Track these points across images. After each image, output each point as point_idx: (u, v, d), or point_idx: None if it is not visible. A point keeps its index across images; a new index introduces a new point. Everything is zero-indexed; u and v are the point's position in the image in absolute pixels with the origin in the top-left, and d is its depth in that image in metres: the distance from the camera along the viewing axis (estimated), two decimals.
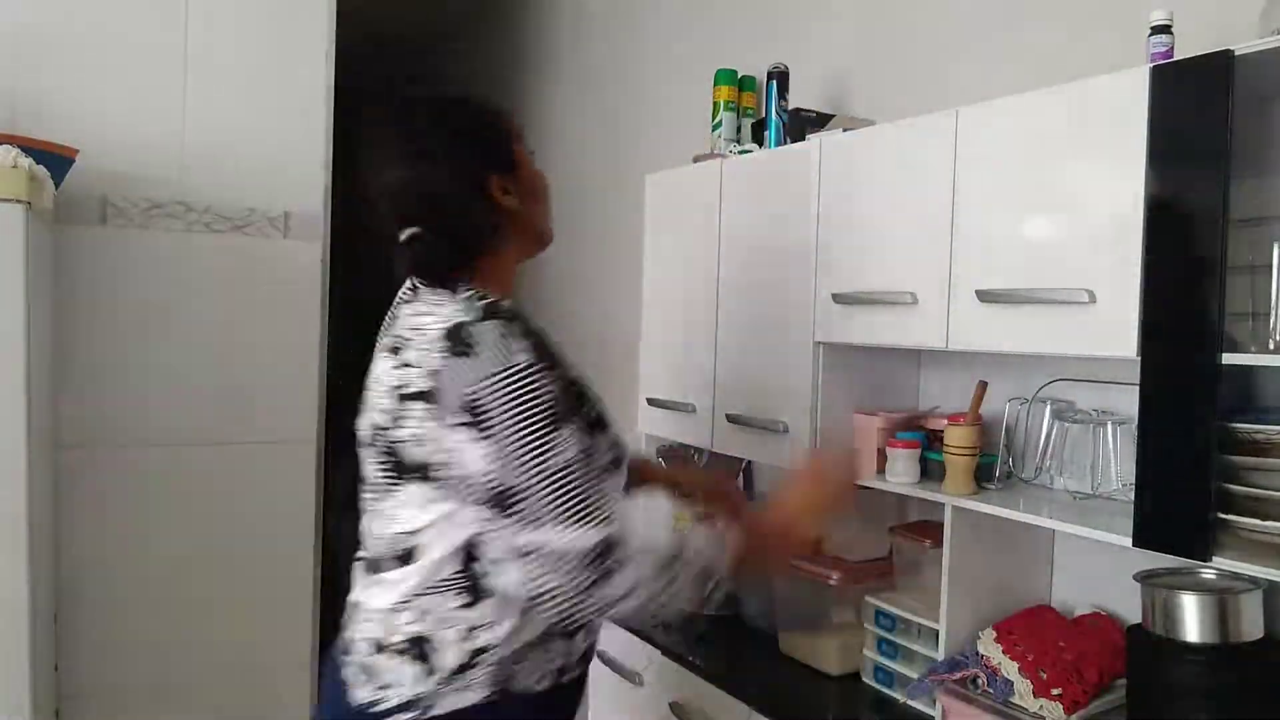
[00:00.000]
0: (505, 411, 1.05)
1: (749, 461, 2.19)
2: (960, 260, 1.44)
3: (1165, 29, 1.26)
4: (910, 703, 1.57)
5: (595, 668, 2.11)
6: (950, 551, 1.49)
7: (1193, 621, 1.23)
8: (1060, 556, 1.64)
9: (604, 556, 1.05)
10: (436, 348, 1.10)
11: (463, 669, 1.13)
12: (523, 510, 1.05)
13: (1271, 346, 1.16)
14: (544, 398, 1.07)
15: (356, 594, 1.26)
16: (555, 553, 1.05)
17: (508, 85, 3.73)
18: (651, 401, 2.16)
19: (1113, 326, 1.23)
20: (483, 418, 1.05)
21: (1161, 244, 1.18)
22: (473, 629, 1.14)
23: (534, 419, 1.05)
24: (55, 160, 1.90)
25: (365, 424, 1.21)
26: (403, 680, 1.15)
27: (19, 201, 1.64)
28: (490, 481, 1.06)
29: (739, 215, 1.92)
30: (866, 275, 1.61)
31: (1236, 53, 1.11)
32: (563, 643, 1.20)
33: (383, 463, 1.16)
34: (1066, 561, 1.63)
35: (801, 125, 1.90)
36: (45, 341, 1.98)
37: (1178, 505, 1.16)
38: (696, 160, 2.12)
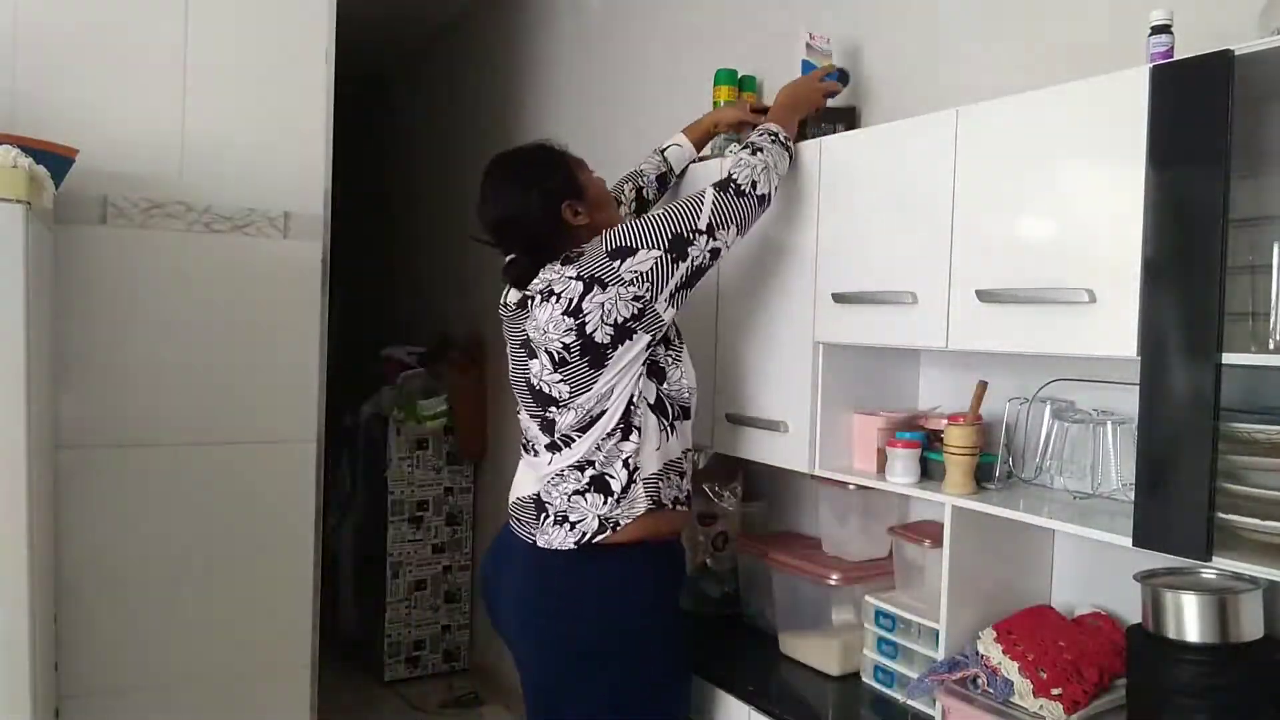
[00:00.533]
0: (629, 231, 1.58)
1: (749, 461, 2.19)
2: (960, 260, 1.44)
3: (1165, 29, 1.26)
4: (910, 703, 1.57)
5: None
6: (950, 551, 1.49)
7: (1193, 621, 1.23)
8: (1060, 556, 1.64)
9: (723, 188, 1.63)
10: (569, 269, 1.57)
11: (627, 489, 1.59)
12: (688, 230, 1.58)
13: (1271, 346, 1.16)
14: (660, 209, 1.64)
15: (532, 480, 1.69)
16: (712, 209, 1.60)
17: (508, 85, 3.73)
18: None
19: (1113, 326, 1.23)
20: (624, 244, 1.56)
21: (1161, 244, 1.18)
22: (627, 458, 1.59)
23: (643, 221, 1.60)
24: (55, 160, 1.89)
25: (542, 361, 1.61)
26: (591, 512, 1.59)
27: (19, 201, 1.64)
28: (663, 251, 1.55)
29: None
30: (866, 275, 1.61)
31: (1236, 53, 1.11)
32: (678, 478, 1.68)
33: (575, 369, 1.57)
34: (1066, 561, 1.63)
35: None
36: (45, 341, 1.97)
37: (1178, 505, 1.16)
38: (697, 160, 2.12)
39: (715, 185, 1.62)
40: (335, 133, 2.53)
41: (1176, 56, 1.22)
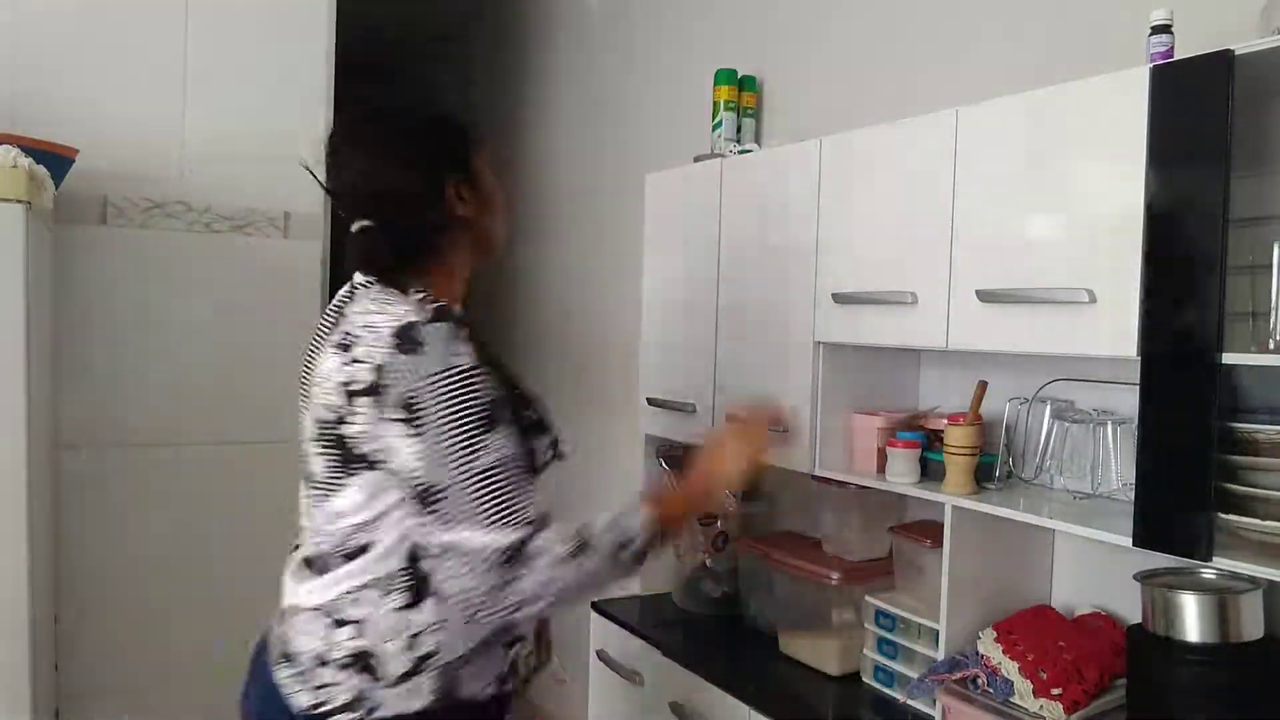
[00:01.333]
0: (439, 412, 1.07)
1: None
2: (960, 260, 1.44)
3: (1165, 29, 1.26)
4: (910, 703, 1.57)
5: (595, 667, 2.13)
6: (950, 551, 1.49)
7: (1193, 621, 1.23)
8: (1060, 556, 1.64)
9: (515, 557, 1.07)
10: (385, 344, 1.11)
11: (408, 675, 1.15)
12: (444, 508, 1.08)
13: (1271, 346, 1.16)
14: (479, 400, 1.09)
15: (292, 595, 1.27)
16: (470, 552, 1.07)
17: (507, 85, 3.73)
18: (651, 401, 2.16)
19: (1113, 326, 1.23)
20: (418, 415, 1.08)
21: (1161, 244, 1.18)
22: (416, 635, 1.15)
23: (466, 419, 1.08)
24: (55, 160, 1.90)
25: (310, 419, 1.22)
26: (345, 684, 1.15)
27: (19, 201, 1.64)
28: (416, 478, 1.09)
29: (739, 215, 1.92)
30: (866, 275, 1.61)
31: (1236, 53, 1.11)
32: (503, 650, 1.22)
33: (331, 458, 1.17)
34: (1066, 561, 1.63)
35: None
36: (45, 341, 1.98)
37: (1178, 505, 1.16)
38: (697, 160, 2.12)
39: (503, 549, 1.07)
40: None
41: (1176, 57, 1.22)
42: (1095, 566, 1.57)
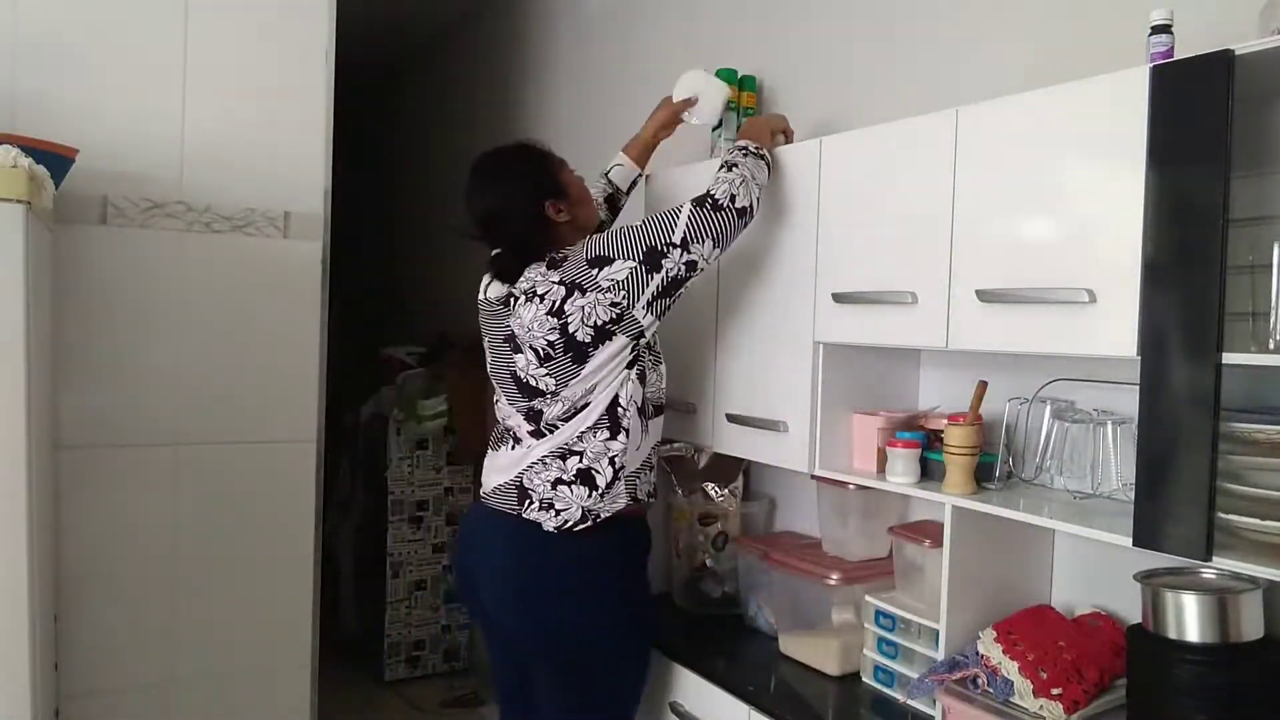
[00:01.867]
0: (607, 243, 1.66)
1: (749, 461, 2.20)
2: (960, 260, 1.44)
3: (1165, 29, 1.26)
4: (910, 703, 1.57)
5: None
6: (950, 551, 1.49)
7: (1193, 621, 1.23)
8: (1060, 556, 1.64)
9: (699, 203, 1.66)
10: (552, 274, 1.68)
11: (611, 485, 1.69)
12: (662, 243, 1.64)
13: (1271, 346, 1.16)
14: (641, 220, 1.71)
15: (524, 454, 1.74)
16: (688, 223, 1.65)
17: (507, 85, 3.73)
18: None
19: (1113, 326, 1.23)
20: (602, 255, 1.65)
21: (1161, 244, 1.18)
22: (614, 456, 1.68)
23: (620, 233, 1.68)
24: (55, 160, 1.89)
25: (528, 356, 1.70)
26: (575, 502, 1.68)
27: (19, 201, 1.64)
28: (638, 262, 1.63)
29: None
30: (866, 275, 1.61)
31: (1236, 53, 1.11)
32: (649, 473, 1.79)
33: (558, 363, 1.67)
34: (1066, 561, 1.63)
35: None
36: (45, 341, 1.97)
37: (1178, 505, 1.16)
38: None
39: (693, 200, 1.67)
40: (335, 132, 2.53)
41: (1176, 57, 1.22)
42: (1095, 566, 1.57)
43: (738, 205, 1.66)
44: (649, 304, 1.65)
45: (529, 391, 1.72)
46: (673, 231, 1.63)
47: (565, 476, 1.69)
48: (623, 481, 1.69)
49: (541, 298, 1.67)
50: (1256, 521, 1.13)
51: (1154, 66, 1.20)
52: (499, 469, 1.79)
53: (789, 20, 2.29)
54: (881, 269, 1.59)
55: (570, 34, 3.33)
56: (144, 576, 2.32)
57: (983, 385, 1.57)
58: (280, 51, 2.45)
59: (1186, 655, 1.23)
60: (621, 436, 1.68)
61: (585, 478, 1.68)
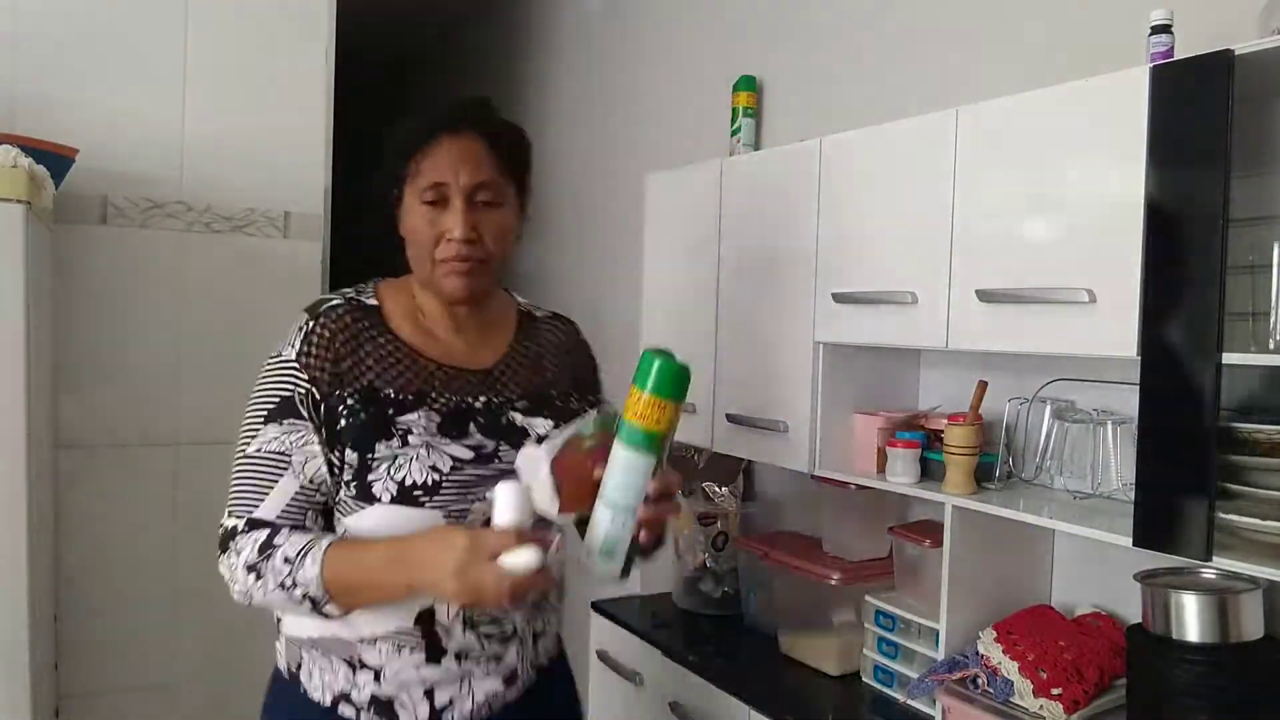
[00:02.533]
0: (251, 393, 1.22)
1: (749, 461, 2.20)
2: (960, 260, 1.44)
3: (1165, 29, 1.26)
4: (910, 703, 1.57)
5: (595, 667, 2.13)
6: (950, 551, 1.49)
7: (1193, 621, 1.23)
8: (1060, 556, 1.64)
9: (225, 544, 1.21)
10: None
11: (280, 628, 1.28)
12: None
13: (1271, 346, 1.16)
14: (268, 392, 1.20)
15: None
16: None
17: (508, 85, 3.73)
18: None
19: (1113, 326, 1.23)
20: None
21: (1161, 244, 1.18)
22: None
23: (253, 405, 1.21)
24: (55, 160, 1.89)
25: None
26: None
27: (19, 201, 1.64)
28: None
29: (739, 215, 1.92)
30: (866, 275, 1.61)
31: (1236, 53, 1.10)
32: (344, 667, 1.21)
33: None
34: (1066, 561, 1.63)
35: None
36: (45, 341, 1.98)
37: (1178, 505, 1.16)
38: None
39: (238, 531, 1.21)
40: (336, 132, 2.53)
41: (1176, 57, 1.22)
42: (1095, 566, 1.57)
43: (242, 597, 1.20)
44: None
45: None
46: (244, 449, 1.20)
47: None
48: (282, 638, 1.33)
49: None
50: (1256, 521, 1.12)
51: (1154, 66, 1.20)
52: None
53: (789, 19, 2.29)
54: (881, 269, 1.58)
55: (571, 33, 3.33)
56: (144, 576, 2.32)
57: (983, 385, 1.57)
58: (280, 51, 2.45)
59: (1186, 655, 1.23)
60: None
61: None
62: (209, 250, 2.37)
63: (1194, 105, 1.15)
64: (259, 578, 1.14)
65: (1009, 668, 1.39)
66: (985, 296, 1.39)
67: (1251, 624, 1.23)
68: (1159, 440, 1.18)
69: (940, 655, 1.51)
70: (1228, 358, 1.11)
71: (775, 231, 1.81)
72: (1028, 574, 1.62)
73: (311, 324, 1.21)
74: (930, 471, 1.61)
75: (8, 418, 1.66)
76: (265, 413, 1.18)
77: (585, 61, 3.24)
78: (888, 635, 1.67)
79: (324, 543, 1.13)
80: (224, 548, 1.20)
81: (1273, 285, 1.16)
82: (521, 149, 1.29)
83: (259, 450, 1.17)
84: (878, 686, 1.70)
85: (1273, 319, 1.16)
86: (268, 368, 1.20)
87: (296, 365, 1.19)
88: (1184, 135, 1.16)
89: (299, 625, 1.23)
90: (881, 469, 1.67)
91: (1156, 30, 1.26)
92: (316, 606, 1.12)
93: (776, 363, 1.81)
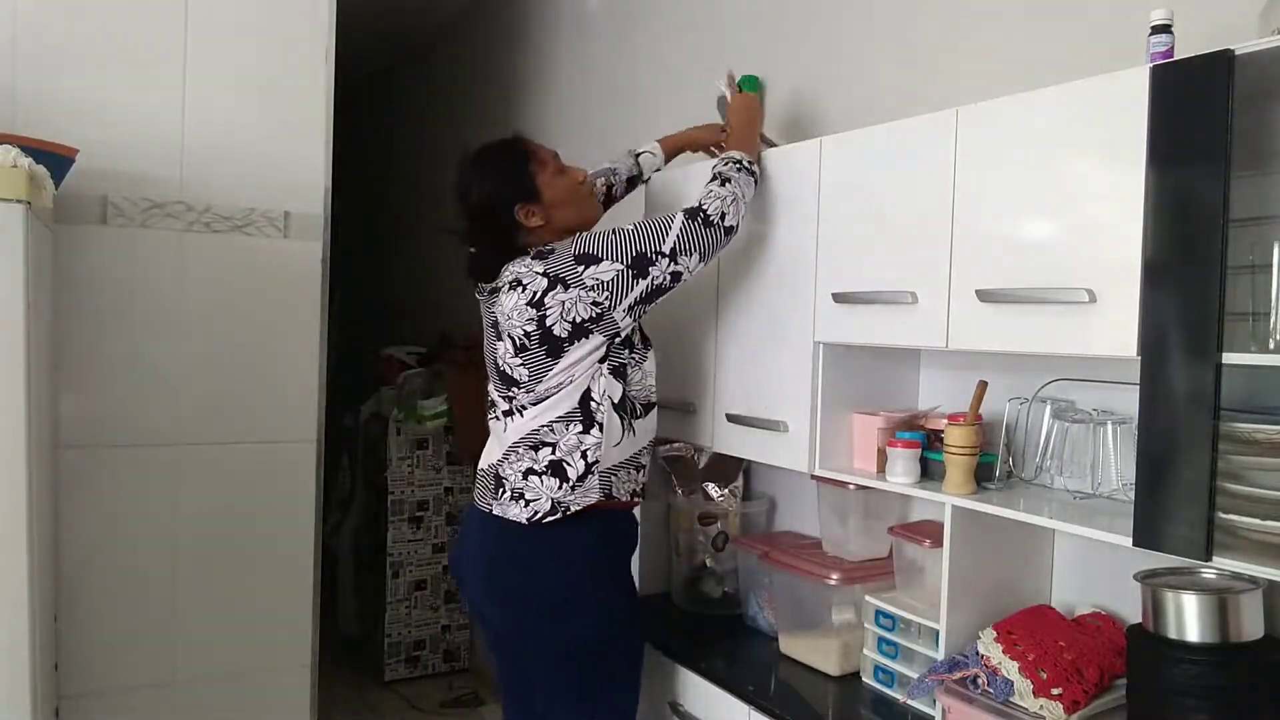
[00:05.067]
0: (599, 241, 1.65)
1: (749, 461, 2.20)
2: (960, 260, 1.44)
3: (1165, 29, 1.26)
4: (910, 703, 1.57)
5: None
6: (950, 551, 1.49)
7: (1193, 621, 1.23)
8: (1060, 556, 1.64)
9: (692, 215, 1.67)
10: (537, 265, 1.67)
11: (583, 478, 1.67)
12: (651, 250, 1.64)
13: (1271, 346, 1.16)
14: (610, 229, 1.70)
15: (502, 435, 1.75)
16: (679, 234, 1.66)
17: (508, 85, 3.73)
18: None
19: (1113, 326, 1.23)
20: (591, 254, 1.64)
21: (1161, 244, 1.18)
22: (586, 450, 1.66)
23: (613, 233, 1.67)
24: (55, 160, 1.89)
25: (505, 344, 1.71)
26: (545, 494, 1.67)
27: (19, 201, 1.64)
28: (625, 265, 1.63)
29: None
30: (866, 275, 1.61)
31: (1236, 53, 1.11)
32: (634, 472, 1.75)
33: (532, 354, 1.66)
34: (1066, 561, 1.63)
35: None
36: (45, 341, 1.97)
37: (1178, 505, 1.16)
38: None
39: (685, 212, 1.68)
40: (335, 133, 2.53)
41: (1176, 57, 1.22)
42: (1095, 566, 1.57)
43: (726, 224, 1.68)
44: (630, 308, 1.65)
45: (506, 380, 1.72)
46: (663, 240, 1.64)
47: (536, 466, 1.68)
48: (596, 477, 1.67)
49: (524, 287, 1.66)
50: (1256, 521, 1.13)
51: (1154, 66, 1.20)
52: (488, 452, 1.81)
53: (790, 20, 2.29)
54: (881, 269, 1.58)
55: (570, 33, 3.33)
56: (144, 576, 2.32)
57: (983, 385, 1.57)
58: (280, 51, 2.45)
59: (1186, 655, 1.23)
60: (595, 431, 1.66)
61: (556, 469, 1.67)
62: (209, 250, 2.37)
63: (1194, 105, 1.15)
64: (728, 181, 1.73)
65: (1009, 668, 1.39)
66: (985, 296, 1.39)
67: (1251, 624, 1.23)
68: (1159, 440, 1.18)
69: (940, 655, 1.51)
70: (1228, 358, 1.11)
71: (775, 231, 1.81)
72: (1028, 574, 1.62)
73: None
74: (930, 471, 1.61)
75: (8, 418, 1.65)
76: (616, 229, 1.70)
77: (584, 61, 3.24)
78: (888, 635, 1.67)
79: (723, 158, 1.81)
80: (695, 212, 1.68)
81: (1273, 285, 1.16)
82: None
83: (639, 223, 1.70)
84: (878, 686, 1.70)
85: (1273, 319, 1.16)
86: (587, 235, 1.70)
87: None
88: (1184, 135, 1.16)
89: (607, 460, 1.68)
90: (881, 469, 1.67)
91: (1156, 30, 1.26)
92: (756, 169, 1.79)
93: (776, 363, 1.81)
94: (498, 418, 1.77)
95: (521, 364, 1.68)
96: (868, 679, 1.73)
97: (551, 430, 1.68)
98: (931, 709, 1.52)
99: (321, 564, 2.58)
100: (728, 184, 1.71)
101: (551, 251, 1.68)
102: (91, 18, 2.24)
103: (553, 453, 1.68)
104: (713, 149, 2.08)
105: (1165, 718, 1.25)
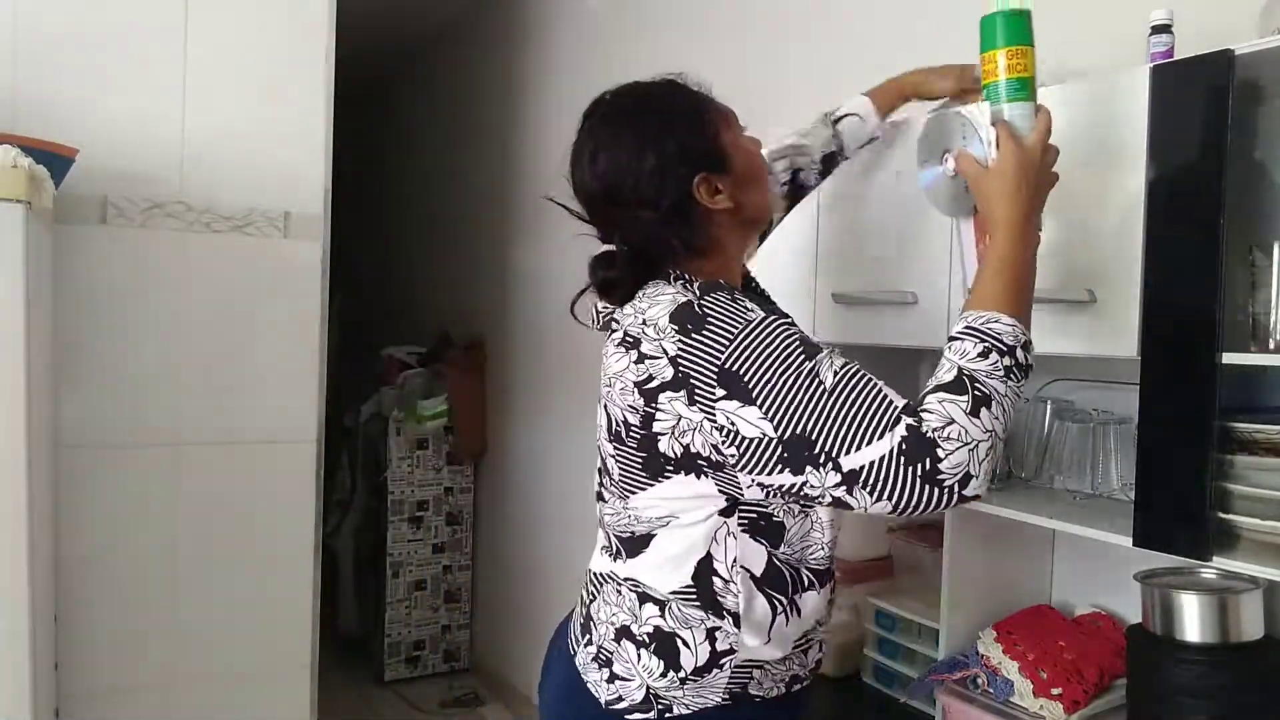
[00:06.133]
0: (761, 367, 1.00)
1: None
2: (960, 260, 1.44)
3: (1165, 29, 1.26)
4: (910, 703, 1.57)
5: None
6: (950, 551, 1.49)
7: (1193, 621, 1.23)
8: (1060, 556, 1.64)
9: (917, 446, 0.94)
10: (670, 334, 1.05)
11: (704, 670, 1.11)
12: (822, 445, 0.97)
13: (1271, 346, 1.16)
14: (790, 338, 1.02)
15: (601, 522, 1.23)
16: (875, 465, 0.95)
17: (508, 84, 3.73)
18: None
19: (1113, 326, 1.23)
20: (743, 381, 1.00)
21: (1161, 244, 1.18)
22: (713, 630, 1.11)
23: (789, 362, 1.00)
24: (55, 160, 1.89)
25: (601, 414, 1.18)
26: (639, 675, 1.13)
27: (19, 201, 1.64)
28: (778, 436, 0.98)
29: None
30: (866, 275, 1.61)
31: (1236, 53, 1.10)
32: (799, 655, 1.18)
33: (627, 453, 1.12)
34: (1066, 561, 1.63)
35: None
36: (45, 341, 1.98)
37: (1178, 505, 1.16)
38: None
39: (940, 398, 0.96)
40: (335, 133, 2.53)
41: (1176, 57, 1.22)
42: (1095, 566, 1.57)
43: (965, 487, 0.95)
44: (765, 489, 1.04)
45: (602, 460, 1.20)
46: (848, 448, 0.96)
47: (636, 630, 1.13)
48: (727, 670, 1.11)
49: (639, 354, 1.08)
50: (1256, 521, 1.12)
51: (1154, 66, 1.20)
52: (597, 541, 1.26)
53: (791, 20, 2.29)
54: (881, 269, 1.58)
55: (570, 33, 3.33)
56: (144, 576, 2.32)
57: None
58: (280, 51, 2.45)
59: (1186, 655, 1.23)
60: (728, 619, 1.10)
61: (665, 646, 1.11)
62: (209, 250, 2.37)
63: (1194, 105, 1.14)
64: (988, 403, 0.95)
65: (1009, 668, 1.39)
66: None
67: (1251, 624, 1.23)
68: (1159, 440, 1.18)
69: (940, 655, 1.51)
70: (1228, 358, 1.11)
71: (775, 231, 1.81)
72: (1028, 574, 1.62)
73: (735, 294, 1.09)
74: None
75: (8, 418, 1.66)
76: (803, 352, 1.01)
77: (584, 61, 3.24)
78: (888, 635, 1.67)
79: (969, 316, 1.01)
80: (920, 452, 0.94)
81: (1273, 285, 1.16)
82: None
83: (839, 373, 1.00)
84: (878, 686, 1.70)
85: (1273, 319, 1.16)
86: (753, 332, 1.02)
87: (778, 316, 1.06)
88: (1184, 135, 1.16)
89: (749, 651, 1.12)
90: None
91: (1156, 30, 1.26)
92: (1029, 354, 1.01)
93: None
94: (598, 492, 1.23)
95: (614, 456, 1.15)
96: (868, 679, 1.73)
97: (654, 583, 1.13)
98: (931, 709, 1.52)
99: (321, 564, 2.58)
100: (1006, 379, 0.97)
101: (704, 315, 1.05)
102: (91, 18, 2.24)
103: (663, 616, 1.12)
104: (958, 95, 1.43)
105: (1165, 718, 1.25)
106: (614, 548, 1.18)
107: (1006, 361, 0.97)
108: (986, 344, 0.98)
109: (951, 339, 1.01)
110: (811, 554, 1.14)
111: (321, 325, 2.53)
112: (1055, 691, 1.35)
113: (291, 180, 2.47)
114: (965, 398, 0.95)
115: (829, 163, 1.52)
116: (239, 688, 2.44)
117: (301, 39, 2.47)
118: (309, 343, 2.50)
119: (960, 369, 0.97)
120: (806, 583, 1.14)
